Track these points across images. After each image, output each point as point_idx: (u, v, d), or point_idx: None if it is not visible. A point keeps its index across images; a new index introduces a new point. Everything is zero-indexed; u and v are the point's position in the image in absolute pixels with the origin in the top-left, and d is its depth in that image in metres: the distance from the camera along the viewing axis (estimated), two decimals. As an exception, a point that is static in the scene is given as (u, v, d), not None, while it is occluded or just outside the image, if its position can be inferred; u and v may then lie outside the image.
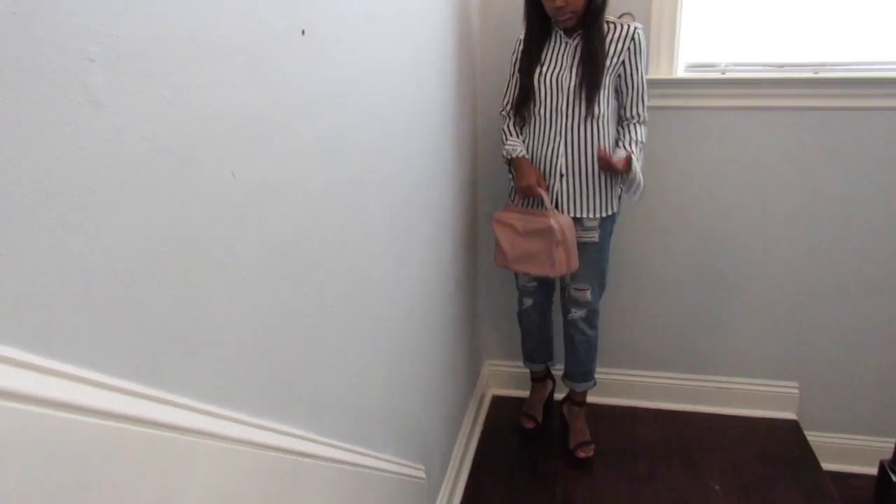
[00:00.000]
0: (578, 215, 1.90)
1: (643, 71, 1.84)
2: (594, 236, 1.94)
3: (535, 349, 2.26)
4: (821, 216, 2.14)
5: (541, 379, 2.35)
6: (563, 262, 1.84)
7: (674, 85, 2.10)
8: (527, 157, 1.90)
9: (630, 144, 1.86)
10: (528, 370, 2.38)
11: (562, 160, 1.86)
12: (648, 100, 1.89)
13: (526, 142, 1.92)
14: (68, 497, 0.49)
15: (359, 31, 1.08)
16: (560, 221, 1.83)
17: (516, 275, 2.11)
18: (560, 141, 1.85)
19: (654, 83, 2.08)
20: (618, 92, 1.86)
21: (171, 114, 0.61)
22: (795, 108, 2.06)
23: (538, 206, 1.89)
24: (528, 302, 2.15)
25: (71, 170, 0.50)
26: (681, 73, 2.11)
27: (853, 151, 2.06)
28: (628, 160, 1.81)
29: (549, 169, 1.88)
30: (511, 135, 1.94)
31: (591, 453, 2.15)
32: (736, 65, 2.09)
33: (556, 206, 1.89)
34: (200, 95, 0.66)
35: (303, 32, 0.87)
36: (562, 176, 1.87)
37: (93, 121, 0.51)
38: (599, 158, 1.81)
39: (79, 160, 0.50)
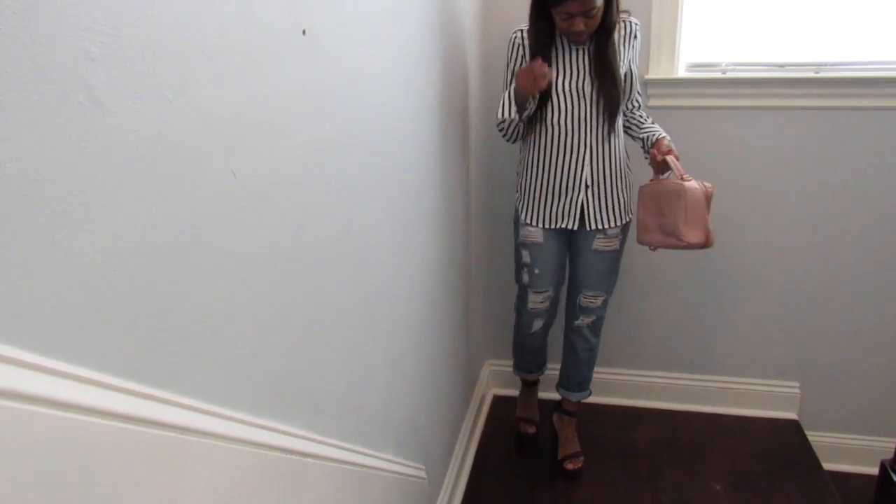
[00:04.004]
0: (604, 226, 1.85)
1: (638, 62, 1.83)
2: (615, 244, 1.90)
3: (534, 363, 2.21)
4: (822, 216, 2.14)
5: (534, 382, 2.31)
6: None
7: (674, 85, 2.10)
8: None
9: (657, 128, 1.82)
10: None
11: (587, 171, 1.79)
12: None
13: (542, 152, 1.81)
14: (69, 497, 0.49)
15: (360, 32, 1.08)
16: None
17: (526, 297, 1.98)
18: (585, 152, 1.77)
19: (654, 83, 2.08)
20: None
21: (172, 114, 0.61)
22: (796, 107, 2.06)
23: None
24: (539, 325, 2.04)
25: (71, 170, 0.50)
26: (681, 72, 2.11)
27: (854, 151, 2.06)
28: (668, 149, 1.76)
29: (573, 180, 1.80)
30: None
31: (580, 465, 2.12)
32: (737, 64, 2.09)
33: (582, 218, 1.84)
34: (201, 95, 0.66)
35: (304, 32, 0.87)
36: (587, 187, 1.81)
37: (93, 121, 0.51)
38: (656, 159, 1.75)
39: (79, 160, 0.50)
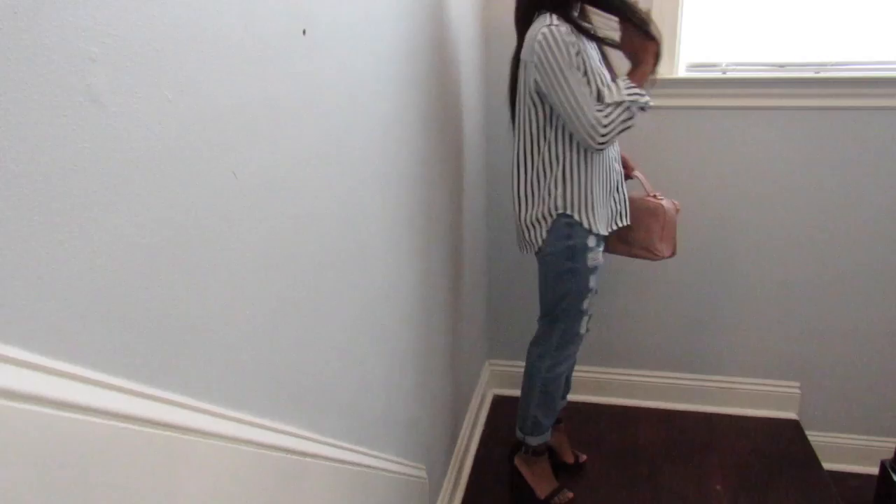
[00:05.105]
0: (627, 221, 1.78)
1: None
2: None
3: (559, 404, 1.97)
4: (822, 216, 2.14)
5: (548, 448, 2.02)
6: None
7: (675, 85, 2.09)
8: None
9: None
10: (535, 438, 1.95)
11: (620, 167, 1.75)
12: None
13: (594, 155, 1.61)
14: (68, 497, 0.49)
15: (359, 30, 1.08)
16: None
17: (577, 327, 1.75)
18: (617, 146, 1.72)
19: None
20: None
21: (173, 113, 0.61)
22: (797, 107, 2.06)
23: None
24: (580, 345, 1.87)
25: (71, 170, 0.50)
26: (682, 72, 2.11)
27: (854, 151, 2.06)
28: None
29: (618, 174, 1.72)
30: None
31: (585, 457, 2.15)
32: (737, 64, 2.09)
33: (617, 220, 1.76)
34: (202, 95, 0.66)
35: (304, 32, 0.87)
36: (625, 177, 1.78)
37: (94, 120, 0.52)
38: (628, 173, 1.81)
39: (79, 160, 0.50)
